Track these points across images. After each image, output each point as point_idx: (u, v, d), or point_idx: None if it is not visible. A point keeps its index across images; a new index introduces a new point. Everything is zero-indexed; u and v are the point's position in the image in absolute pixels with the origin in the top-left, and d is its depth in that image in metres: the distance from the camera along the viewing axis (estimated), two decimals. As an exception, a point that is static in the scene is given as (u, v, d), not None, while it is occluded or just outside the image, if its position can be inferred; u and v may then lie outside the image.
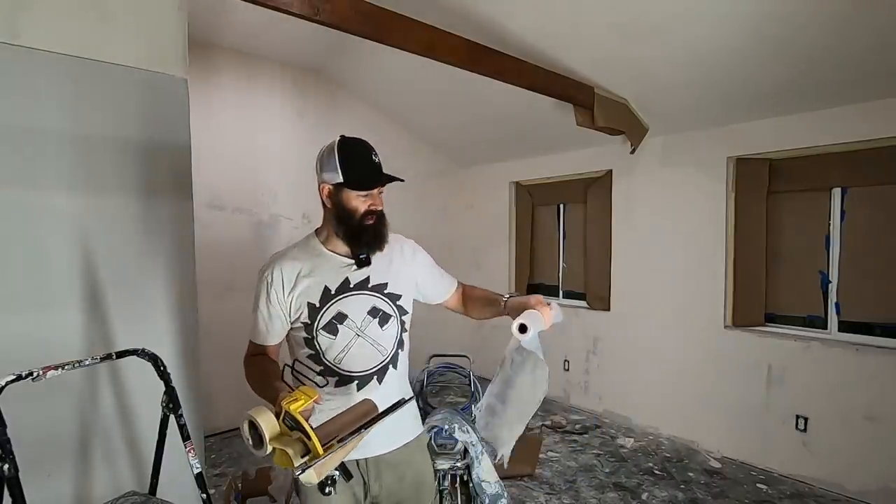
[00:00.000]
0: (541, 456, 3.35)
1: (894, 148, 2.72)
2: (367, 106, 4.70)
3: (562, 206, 4.65)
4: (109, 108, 1.79)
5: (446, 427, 2.15)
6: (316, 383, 1.22)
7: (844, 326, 3.00)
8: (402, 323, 1.32)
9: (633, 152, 3.84)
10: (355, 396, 1.21)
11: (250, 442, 0.95)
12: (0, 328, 1.57)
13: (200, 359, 2.05)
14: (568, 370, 4.47)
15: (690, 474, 3.18)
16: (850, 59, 2.51)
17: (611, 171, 4.09)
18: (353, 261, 1.26)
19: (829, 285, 3.04)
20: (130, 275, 1.85)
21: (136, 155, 1.86)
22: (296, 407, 0.94)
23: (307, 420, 0.93)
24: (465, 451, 2.16)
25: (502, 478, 2.21)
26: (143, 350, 1.58)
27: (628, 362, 4.01)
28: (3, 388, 1.21)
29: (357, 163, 1.20)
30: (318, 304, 1.22)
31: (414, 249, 1.41)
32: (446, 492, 2.07)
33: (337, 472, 1.07)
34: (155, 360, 1.58)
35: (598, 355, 4.25)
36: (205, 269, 3.54)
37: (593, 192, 4.22)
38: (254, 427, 0.94)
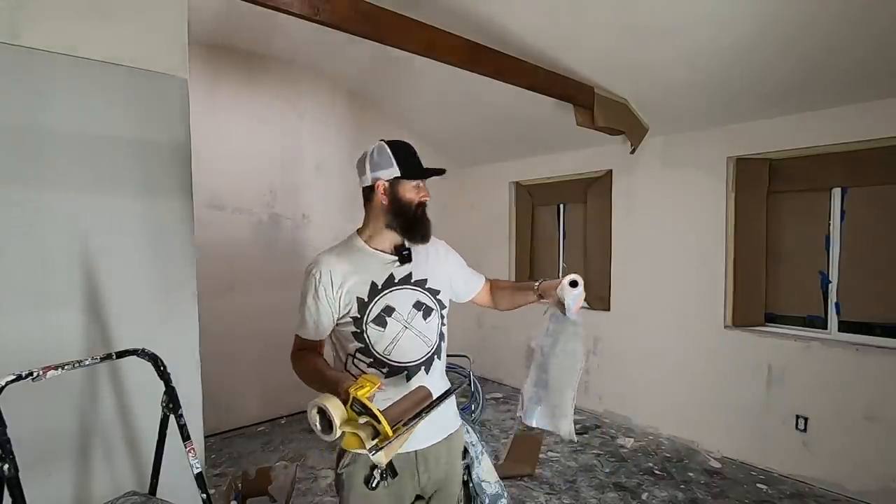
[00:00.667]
0: (541, 456, 3.35)
1: (894, 148, 2.72)
2: (368, 106, 4.70)
3: (562, 206, 4.65)
4: (109, 108, 1.79)
5: (446, 427, 2.15)
6: (370, 372, 1.28)
7: (844, 326, 3.00)
8: (442, 316, 1.41)
9: (633, 152, 3.84)
10: (406, 386, 1.26)
11: (319, 427, 1.02)
12: (0, 328, 1.57)
13: (200, 359, 2.05)
14: (568, 370, 4.46)
15: (690, 474, 3.18)
16: (850, 59, 2.51)
17: (611, 171, 4.09)
18: (396, 258, 1.34)
19: (829, 285, 3.04)
20: (130, 275, 1.85)
21: (137, 155, 1.86)
22: (363, 393, 1.01)
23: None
24: (465, 451, 2.16)
25: (502, 478, 2.21)
26: (143, 350, 1.58)
27: (628, 362, 4.01)
28: (3, 388, 1.21)
29: (409, 156, 1.33)
30: (366, 299, 1.28)
31: (447, 249, 1.51)
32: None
33: (383, 469, 1.16)
34: (155, 360, 1.58)
35: (598, 355, 4.25)
36: (205, 269, 3.54)
37: (593, 192, 4.22)
38: (322, 413, 1.01)
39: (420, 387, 1.16)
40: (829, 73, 2.64)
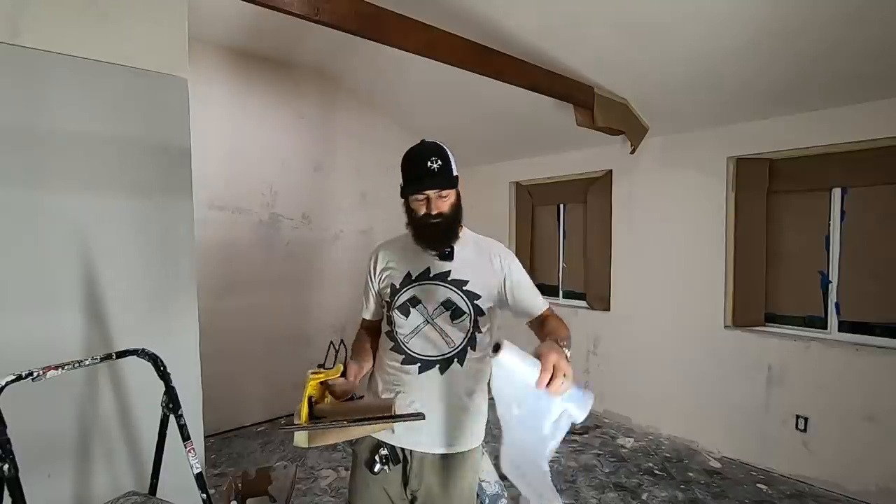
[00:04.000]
0: (541, 456, 3.35)
1: (894, 148, 2.72)
2: (367, 106, 4.70)
3: (562, 206, 4.65)
4: (109, 108, 1.80)
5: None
6: (391, 354, 1.37)
7: (844, 326, 3.00)
8: (476, 322, 1.33)
9: (633, 152, 3.83)
10: (416, 377, 1.31)
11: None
12: (0, 328, 1.57)
13: (200, 359, 2.05)
14: (568, 370, 4.46)
15: (690, 474, 3.18)
16: (849, 58, 2.51)
17: (611, 171, 4.09)
18: (436, 253, 1.34)
19: (829, 285, 3.04)
20: (130, 275, 1.85)
21: (137, 155, 1.86)
22: (312, 380, 1.13)
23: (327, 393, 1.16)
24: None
25: (502, 478, 2.21)
26: (143, 350, 1.58)
27: (628, 362, 4.01)
28: (3, 388, 1.22)
29: (410, 168, 1.27)
30: (398, 286, 1.35)
31: (506, 260, 1.40)
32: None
33: (386, 453, 1.27)
34: (155, 360, 1.58)
35: (598, 355, 4.25)
36: (205, 269, 3.54)
37: (593, 192, 4.22)
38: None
39: (387, 399, 1.25)
40: (829, 72, 2.64)
